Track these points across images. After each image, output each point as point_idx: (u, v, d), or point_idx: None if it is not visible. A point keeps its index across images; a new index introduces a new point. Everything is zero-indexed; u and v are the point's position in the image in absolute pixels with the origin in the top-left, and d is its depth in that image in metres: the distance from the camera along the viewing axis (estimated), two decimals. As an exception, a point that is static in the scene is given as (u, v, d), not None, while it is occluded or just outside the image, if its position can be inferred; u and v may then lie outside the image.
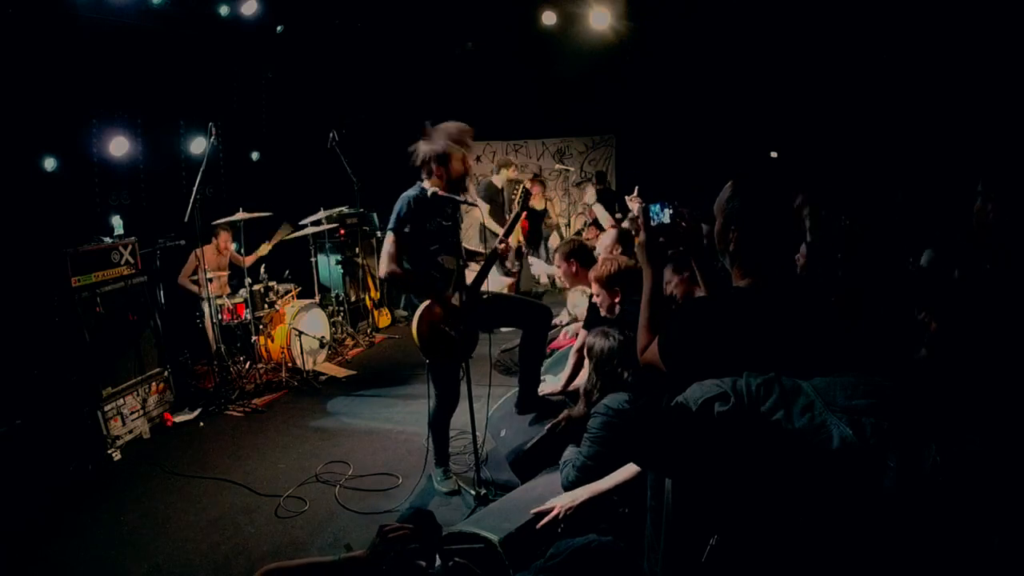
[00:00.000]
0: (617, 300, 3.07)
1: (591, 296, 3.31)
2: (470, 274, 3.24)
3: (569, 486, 2.49)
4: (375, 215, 7.05)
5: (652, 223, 1.74)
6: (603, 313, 3.19)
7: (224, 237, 5.69)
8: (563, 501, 2.37)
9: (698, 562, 1.29)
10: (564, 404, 3.45)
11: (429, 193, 3.08)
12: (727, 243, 1.62)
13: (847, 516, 1.14)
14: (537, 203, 7.59)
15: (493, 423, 3.58)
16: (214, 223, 5.44)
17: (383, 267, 3.10)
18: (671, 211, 1.74)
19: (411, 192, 3.11)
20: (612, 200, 8.52)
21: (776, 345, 1.52)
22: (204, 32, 6.03)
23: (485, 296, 3.33)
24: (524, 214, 3.40)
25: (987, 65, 6.01)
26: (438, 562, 1.16)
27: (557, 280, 5.58)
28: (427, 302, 3.10)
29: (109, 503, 3.47)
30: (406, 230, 3.05)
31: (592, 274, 3.17)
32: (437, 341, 3.11)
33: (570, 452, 2.66)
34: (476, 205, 3.25)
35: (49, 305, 3.99)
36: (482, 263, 3.37)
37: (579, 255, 3.78)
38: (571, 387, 3.57)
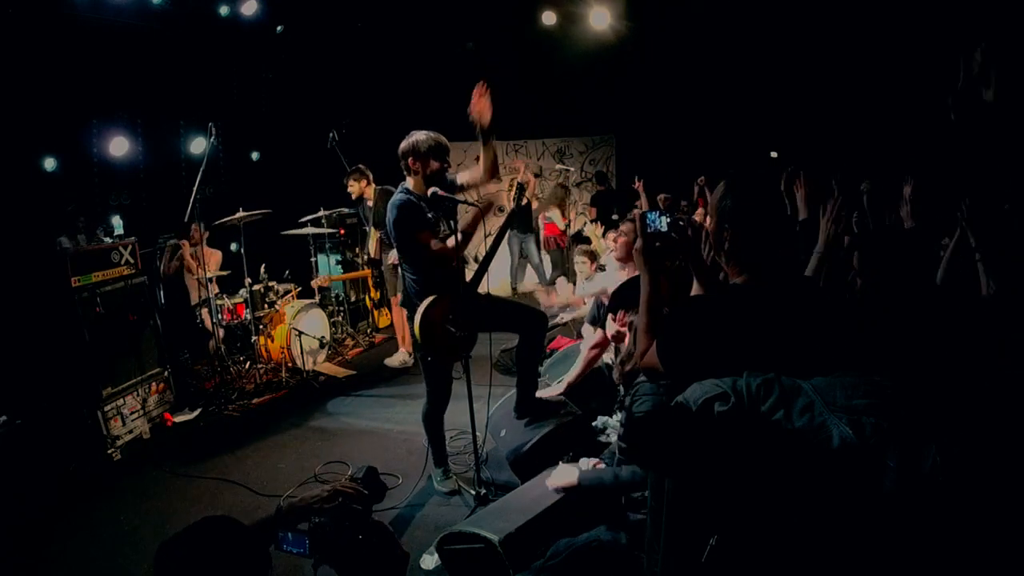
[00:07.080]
0: None
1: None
2: (468, 272, 3.26)
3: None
4: (375, 215, 7.04)
5: (649, 231, 1.74)
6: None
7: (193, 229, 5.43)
8: None
9: (698, 562, 1.28)
10: (563, 405, 3.45)
11: (429, 192, 3.09)
12: (722, 242, 1.62)
13: (847, 516, 1.14)
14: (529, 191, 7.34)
15: (493, 423, 3.57)
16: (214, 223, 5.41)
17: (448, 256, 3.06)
18: (668, 219, 1.73)
19: (398, 198, 3.11)
20: (612, 200, 8.50)
21: (774, 342, 1.52)
22: (204, 32, 6.04)
23: (483, 296, 3.33)
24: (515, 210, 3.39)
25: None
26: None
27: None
28: (430, 299, 3.09)
29: (109, 503, 3.47)
30: (417, 230, 3.05)
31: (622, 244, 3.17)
32: (439, 339, 3.11)
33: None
34: (476, 206, 3.23)
35: (49, 305, 3.99)
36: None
37: None
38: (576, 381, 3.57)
